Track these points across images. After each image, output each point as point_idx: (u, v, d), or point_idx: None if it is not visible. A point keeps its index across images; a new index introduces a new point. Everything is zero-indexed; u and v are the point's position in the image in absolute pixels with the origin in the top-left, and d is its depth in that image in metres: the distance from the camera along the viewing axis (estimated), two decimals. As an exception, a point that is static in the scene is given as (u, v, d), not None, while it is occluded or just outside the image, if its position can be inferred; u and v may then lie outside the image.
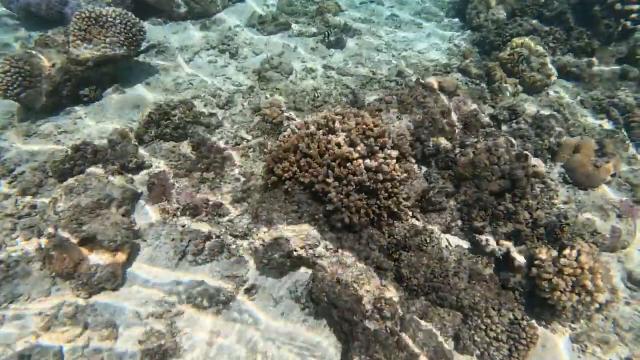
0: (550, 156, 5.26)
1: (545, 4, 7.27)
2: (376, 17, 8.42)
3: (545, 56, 6.05)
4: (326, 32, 6.57)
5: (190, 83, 6.38)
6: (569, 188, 5.03)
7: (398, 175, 3.93)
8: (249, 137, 5.30)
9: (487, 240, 3.99)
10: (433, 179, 4.50)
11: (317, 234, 3.99)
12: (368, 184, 3.85)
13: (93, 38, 5.46)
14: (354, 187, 3.86)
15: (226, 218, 4.57)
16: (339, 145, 3.93)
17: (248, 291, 4.04)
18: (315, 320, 3.84)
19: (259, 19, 7.52)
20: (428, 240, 3.97)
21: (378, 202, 3.91)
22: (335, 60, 6.82)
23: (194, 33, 7.48)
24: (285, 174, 4.00)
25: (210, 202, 4.62)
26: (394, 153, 4.01)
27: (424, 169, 4.84)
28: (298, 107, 5.70)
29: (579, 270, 3.37)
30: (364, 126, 4.01)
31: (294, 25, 7.64)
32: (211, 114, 5.55)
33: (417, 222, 4.25)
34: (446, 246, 4.14)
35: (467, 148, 4.44)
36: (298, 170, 4.01)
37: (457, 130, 5.20)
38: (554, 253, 3.67)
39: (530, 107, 5.94)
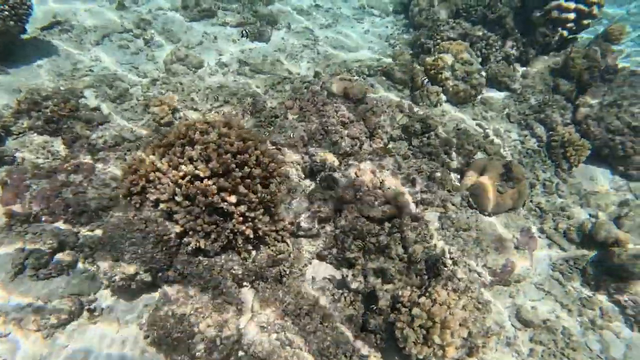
0: (458, 177, 4.87)
1: (489, 6, 6.80)
2: (315, 8, 7.82)
3: (472, 64, 5.59)
4: (243, 31, 5.89)
5: (91, 69, 5.80)
6: (471, 214, 4.64)
7: (257, 198, 3.49)
8: (132, 138, 4.79)
9: (353, 275, 3.60)
10: (314, 200, 4.08)
11: (165, 257, 3.56)
12: (221, 205, 3.41)
13: (-42, 10, 4.83)
14: (204, 208, 3.42)
15: (87, 228, 4.13)
16: (191, 159, 3.47)
17: (91, 312, 3.65)
18: (157, 353, 3.46)
19: (182, 2, 6.90)
20: (288, 272, 3.57)
21: (232, 226, 3.47)
22: (254, 55, 6.25)
23: (109, 12, 6.83)
24: (132, 188, 3.54)
25: (70, 209, 4.15)
26: (256, 172, 3.56)
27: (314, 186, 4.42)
28: (195, 107, 5.19)
29: (429, 323, 2.99)
30: (226, 139, 3.54)
31: (219, 13, 7.02)
32: (95, 108, 5.01)
33: (285, 249, 3.83)
34: (313, 278, 3.75)
35: (350, 168, 4.01)
36: (148, 185, 3.54)
37: (363, 144, 4.76)
38: (416, 297, 3.29)
39: (450, 120, 5.51)
